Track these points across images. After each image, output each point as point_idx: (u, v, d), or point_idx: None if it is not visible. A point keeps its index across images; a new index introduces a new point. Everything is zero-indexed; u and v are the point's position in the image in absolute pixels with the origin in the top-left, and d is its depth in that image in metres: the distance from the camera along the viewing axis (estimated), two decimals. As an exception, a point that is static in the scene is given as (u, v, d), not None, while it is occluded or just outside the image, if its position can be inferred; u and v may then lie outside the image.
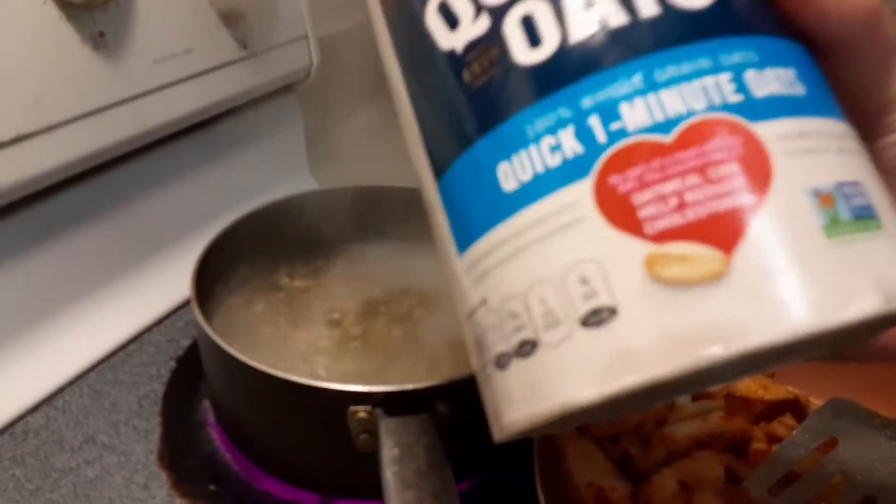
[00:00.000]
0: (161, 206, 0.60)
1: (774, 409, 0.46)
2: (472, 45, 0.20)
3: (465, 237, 0.21)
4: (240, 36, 0.60)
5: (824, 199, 0.18)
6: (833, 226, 0.18)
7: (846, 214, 0.18)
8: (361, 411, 0.37)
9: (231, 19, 0.57)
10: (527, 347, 0.20)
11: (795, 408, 0.47)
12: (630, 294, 0.18)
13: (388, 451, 0.34)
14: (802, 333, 0.17)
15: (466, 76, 0.21)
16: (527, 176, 0.19)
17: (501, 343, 0.20)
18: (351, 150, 0.87)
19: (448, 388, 0.37)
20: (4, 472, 0.44)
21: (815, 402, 0.48)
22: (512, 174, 0.20)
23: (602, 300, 0.18)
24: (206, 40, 0.57)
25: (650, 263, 0.18)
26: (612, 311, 0.18)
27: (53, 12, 0.46)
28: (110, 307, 0.55)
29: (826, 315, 0.17)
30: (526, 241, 0.19)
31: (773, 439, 0.45)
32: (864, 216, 0.18)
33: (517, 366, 0.20)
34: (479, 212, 0.21)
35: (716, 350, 0.17)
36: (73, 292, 0.54)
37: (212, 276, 0.48)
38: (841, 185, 0.18)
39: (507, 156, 0.20)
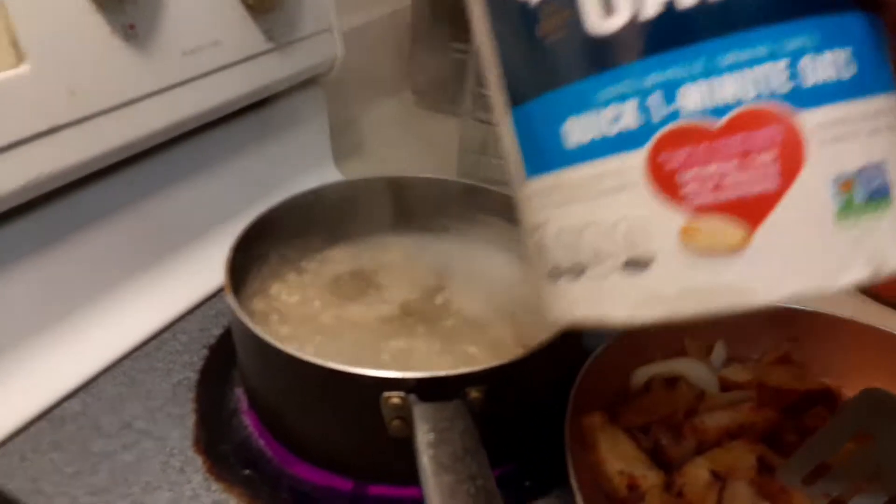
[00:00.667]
0: (190, 198, 0.61)
1: (806, 401, 0.46)
2: (546, 2, 0.22)
3: (533, 167, 0.25)
4: (266, 28, 0.61)
5: (844, 185, 0.21)
6: (845, 209, 0.21)
7: (861, 197, 0.21)
8: (395, 397, 0.37)
9: (260, 11, 0.58)
10: (575, 272, 0.24)
11: (827, 399, 0.46)
12: (665, 252, 0.22)
13: (424, 436, 0.34)
14: (796, 295, 0.21)
15: (539, 31, 0.23)
16: (589, 136, 0.23)
17: (555, 261, 0.25)
18: (375, 141, 0.88)
19: (481, 375, 0.38)
20: (43, 456, 0.45)
21: (847, 393, 0.47)
22: (577, 131, 0.23)
23: (641, 252, 0.22)
24: (234, 32, 0.58)
25: (685, 232, 0.22)
26: (648, 263, 0.22)
27: (85, 4, 0.47)
28: (143, 297, 0.56)
29: (818, 283, 0.21)
30: (585, 191, 0.23)
31: (806, 431, 0.45)
32: (878, 197, 0.21)
33: (566, 282, 0.25)
34: (546, 152, 0.24)
35: (724, 304, 0.22)
36: (108, 282, 0.55)
37: (244, 265, 0.49)
38: (862, 170, 0.21)
39: (572, 113, 0.23)
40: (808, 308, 0.50)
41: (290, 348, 0.38)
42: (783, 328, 0.50)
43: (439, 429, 0.35)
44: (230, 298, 0.42)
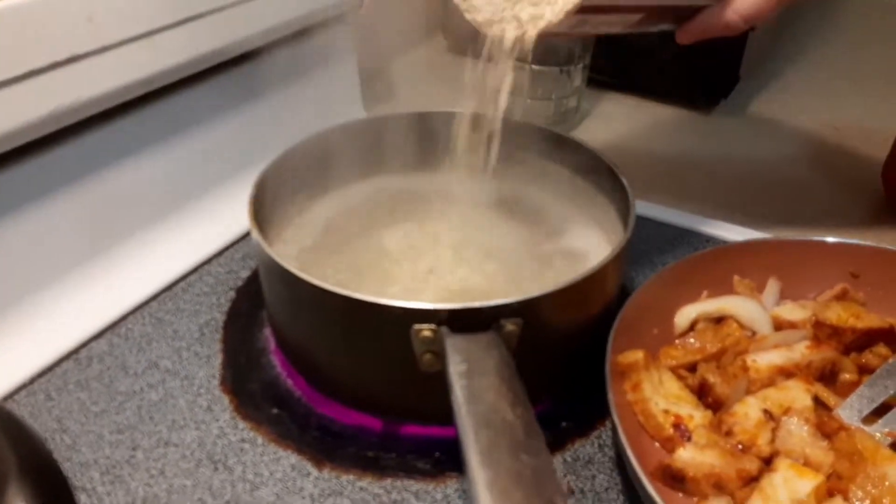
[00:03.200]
0: (217, 139, 0.59)
1: (867, 339, 0.43)
2: None
3: None
4: (291, -39, 0.58)
5: None
6: None
7: None
8: (426, 329, 0.35)
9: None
10: None
11: (890, 337, 0.43)
12: None
13: (456, 367, 0.32)
14: None
15: None
16: None
17: None
18: (407, 87, 0.85)
19: (514, 307, 0.35)
20: (70, 395, 0.44)
21: (913, 331, 0.44)
22: None
23: None
24: (259, -36, 0.55)
25: None
26: None
27: (105, -70, 0.45)
28: (171, 239, 0.55)
29: None
30: None
31: (865, 370, 0.42)
32: None
33: None
34: None
35: None
36: (135, 224, 0.54)
37: (269, 203, 0.47)
38: None
39: None
40: (870, 243, 0.46)
41: (316, 279, 0.36)
42: (842, 264, 0.47)
43: (472, 359, 0.33)
44: (254, 231, 0.41)
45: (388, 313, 0.36)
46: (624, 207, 0.44)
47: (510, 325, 0.36)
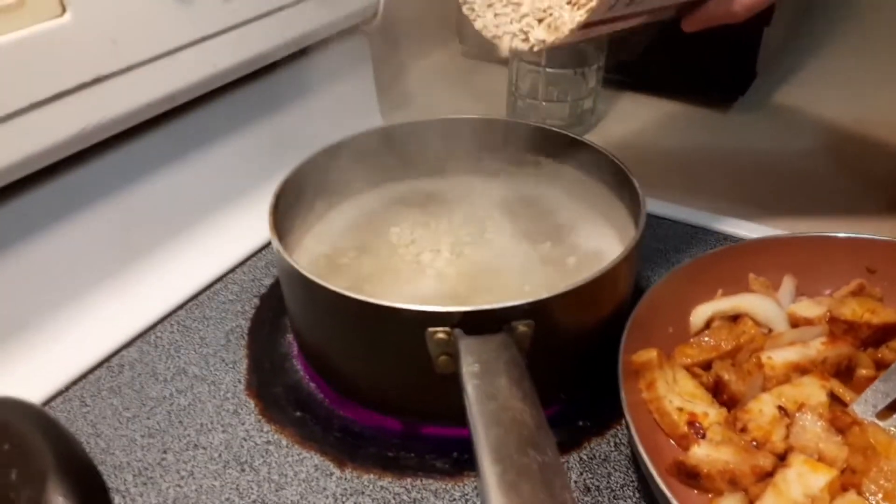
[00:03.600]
0: (237, 151, 0.61)
1: (883, 334, 0.43)
2: None
3: None
4: (307, -25, 0.59)
5: None
6: None
7: None
8: (440, 332, 0.36)
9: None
10: None
11: (906, 332, 0.43)
12: None
13: (469, 368, 0.33)
14: None
15: None
16: None
17: None
18: (423, 93, 0.86)
19: (525, 308, 0.36)
20: (103, 401, 0.46)
21: (930, 325, 0.44)
22: None
23: None
24: (275, -21, 0.57)
25: None
26: None
27: (127, -47, 0.46)
28: (196, 249, 0.57)
29: None
30: None
31: (882, 365, 0.42)
32: None
33: None
34: None
35: None
36: (163, 236, 0.56)
37: (289, 212, 0.49)
38: None
39: None
40: (886, 237, 0.46)
41: (333, 285, 0.38)
42: (858, 260, 0.47)
43: (484, 360, 0.33)
44: (274, 239, 0.42)
45: (404, 317, 0.37)
46: (635, 207, 0.45)
47: (522, 327, 0.37)
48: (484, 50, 0.95)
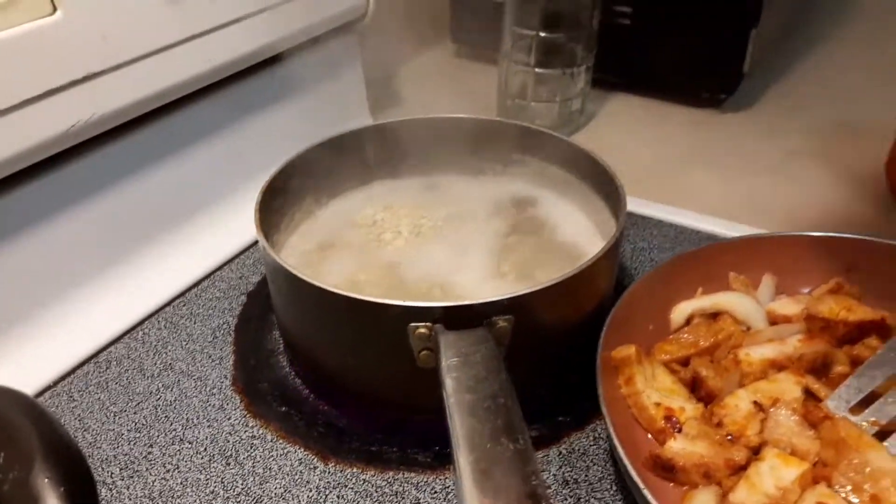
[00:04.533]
0: (226, 150, 0.61)
1: (859, 331, 0.44)
2: None
3: None
4: (297, -27, 0.60)
5: None
6: None
7: None
8: (422, 327, 0.37)
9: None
10: None
11: (881, 329, 0.44)
12: None
13: (447, 361, 0.34)
14: None
15: None
16: None
17: None
18: (415, 92, 0.87)
19: (505, 303, 0.37)
20: (91, 396, 0.46)
21: (905, 322, 0.44)
22: None
23: None
24: (265, -22, 0.57)
25: None
26: None
27: (116, -50, 0.47)
28: (184, 247, 0.57)
29: None
30: None
31: (857, 362, 0.43)
32: None
33: None
34: None
35: None
36: (151, 233, 0.56)
37: (277, 209, 0.49)
38: None
39: None
40: (864, 236, 0.47)
41: (316, 280, 0.38)
42: (837, 258, 0.47)
43: (463, 353, 0.34)
44: (259, 235, 0.43)
45: (386, 313, 0.37)
46: (616, 204, 0.46)
47: (501, 322, 0.37)
48: (476, 50, 0.96)
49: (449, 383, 0.32)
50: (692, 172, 0.72)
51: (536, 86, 0.77)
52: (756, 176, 0.71)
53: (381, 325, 0.38)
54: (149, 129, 0.55)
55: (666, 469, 0.37)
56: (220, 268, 0.57)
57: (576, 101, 0.79)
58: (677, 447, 0.37)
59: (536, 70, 0.75)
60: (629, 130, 0.80)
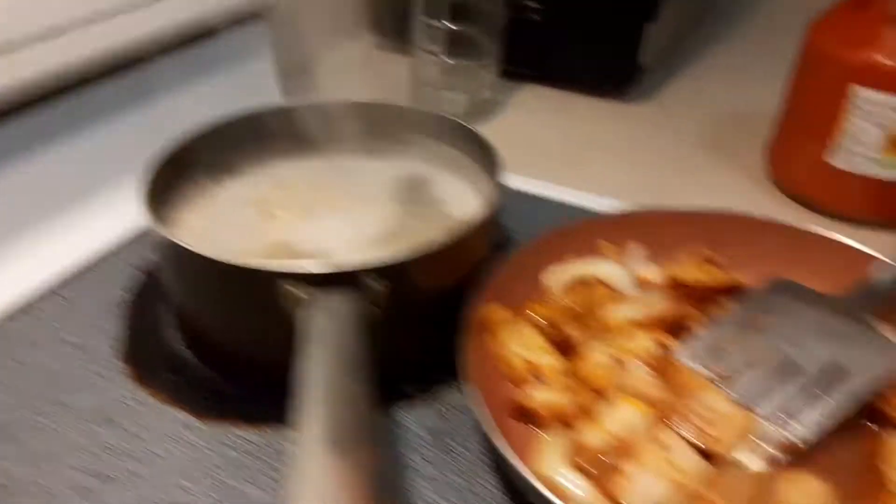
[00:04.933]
0: (129, 131, 0.62)
1: (714, 293, 0.47)
2: None
3: None
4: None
5: None
6: None
7: None
8: (294, 289, 0.38)
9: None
10: None
11: (738, 293, 0.47)
12: None
13: (317, 325, 0.35)
14: None
15: None
16: None
17: None
18: (331, 84, 0.88)
19: (378, 266, 0.39)
20: (-21, 368, 0.47)
21: (757, 288, 0.48)
22: None
23: None
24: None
25: None
26: None
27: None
28: (82, 222, 0.58)
29: None
30: None
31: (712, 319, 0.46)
32: None
33: None
34: None
35: None
36: (49, 207, 0.57)
37: (171, 186, 0.50)
38: None
39: None
40: (731, 211, 0.51)
41: (191, 244, 0.40)
42: (704, 231, 0.51)
43: (334, 317, 0.36)
44: (142, 203, 0.44)
45: (258, 275, 0.39)
46: (495, 176, 0.48)
47: (376, 285, 0.39)
48: (395, 41, 0.98)
49: (312, 347, 0.34)
50: (593, 158, 0.76)
51: (447, 76, 0.79)
52: (650, 162, 0.75)
53: (253, 287, 0.40)
54: (50, 110, 0.55)
55: (524, 415, 0.39)
56: (118, 244, 0.58)
57: (486, 91, 0.82)
58: (535, 394, 0.39)
59: (446, 60, 0.78)
60: (537, 120, 0.83)
